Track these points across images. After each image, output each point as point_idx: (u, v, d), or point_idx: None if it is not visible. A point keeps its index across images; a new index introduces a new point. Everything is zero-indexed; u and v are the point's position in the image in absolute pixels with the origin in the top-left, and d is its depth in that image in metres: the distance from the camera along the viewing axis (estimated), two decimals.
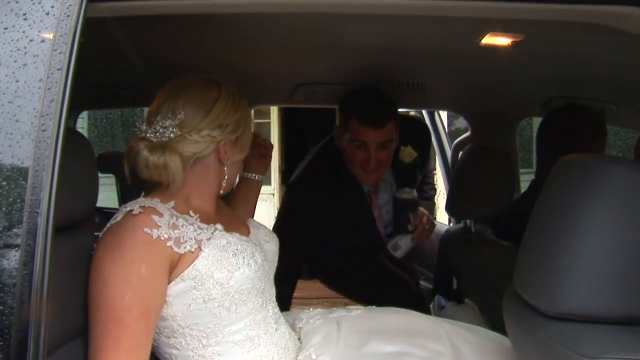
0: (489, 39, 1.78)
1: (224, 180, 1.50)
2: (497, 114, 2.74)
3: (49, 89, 0.87)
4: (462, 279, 2.41)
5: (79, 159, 1.33)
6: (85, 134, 7.85)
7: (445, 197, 2.55)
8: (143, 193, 1.43)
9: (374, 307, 1.89)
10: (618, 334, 0.97)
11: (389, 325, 1.67)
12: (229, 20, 1.75)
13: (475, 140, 2.80)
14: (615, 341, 0.95)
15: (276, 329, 1.50)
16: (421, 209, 2.49)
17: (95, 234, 1.35)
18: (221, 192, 1.52)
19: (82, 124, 7.97)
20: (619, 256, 0.97)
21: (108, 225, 1.34)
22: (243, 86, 2.59)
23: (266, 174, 2.23)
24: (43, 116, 0.86)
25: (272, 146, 1.90)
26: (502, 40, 1.79)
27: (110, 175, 2.65)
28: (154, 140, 1.38)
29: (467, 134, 2.89)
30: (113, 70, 2.48)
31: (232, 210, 1.71)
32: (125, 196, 2.13)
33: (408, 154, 2.53)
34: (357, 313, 1.74)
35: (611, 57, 1.79)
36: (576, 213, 1.02)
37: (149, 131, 1.39)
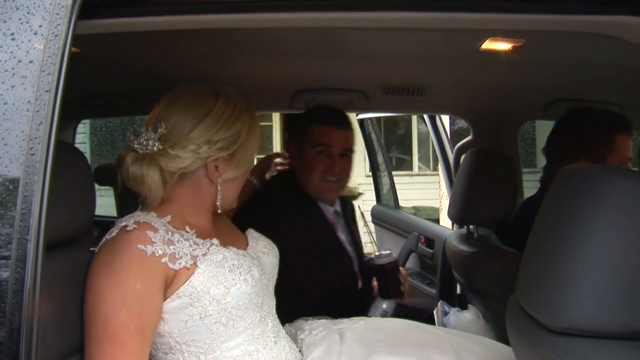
0: (489, 44, 1.76)
1: (217, 199, 1.44)
2: (499, 117, 2.71)
3: (37, 111, 0.85)
4: (465, 286, 2.39)
5: (74, 174, 1.32)
6: (87, 142, 7.89)
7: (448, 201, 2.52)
8: (140, 207, 1.41)
9: (378, 318, 1.88)
10: (624, 349, 0.94)
11: (394, 337, 1.66)
12: (226, 31, 1.73)
13: (478, 144, 2.78)
14: (620, 357, 0.93)
15: (275, 343, 1.48)
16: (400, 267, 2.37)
17: (91, 249, 1.33)
18: (218, 210, 1.47)
19: (84, 129, 8.00)
20: (624, 269, 0.95)
21: (103, 240, 1.33)
22: (242, 93, 2.61)
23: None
24: (32, 139, 0.84)
25: None
26: (502, 45, 1.78)
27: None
28: (140, 151, 1.36)
29: (469, 137, 2.87)
30: (112, 79, 2.48)
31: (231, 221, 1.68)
32: (123, 208, 2.12)
33: (349, 188, 2.50)
34: (361, 324, 1.73)
35: (614, 59, 1.77)
36: (579, 224, 0.99)
37: (135, 142, 1.37)
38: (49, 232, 1.21)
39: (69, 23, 0.87)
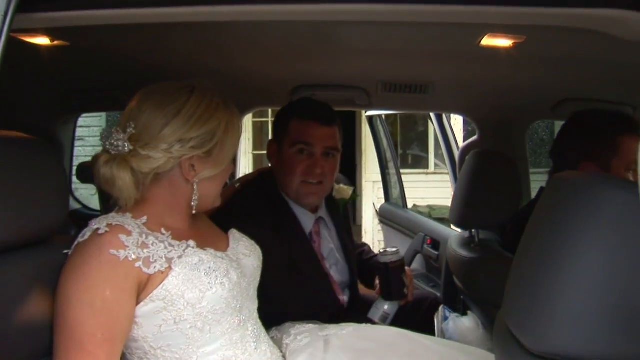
0: (489, 40, 1.69)
1: (193, 199, 1.38)
2: (505, 117, 2.63)
3: None
4: (464, 292, 2.31)
5: (45, 171, 1.28)
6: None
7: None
8: (117, 208, 1.36)
9: (367, 325, 1.81)
10: None
11: (381, 345, 1.60)
12: (225, 24, 1.68)
13: (483, 144, 2.70)
14: None
15: (256, 348, 1.43)
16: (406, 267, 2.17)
17: (65, 251, 1.29)
18: (193, 211, 1.40)
19: (101, 122, 8.03)
20: (610, 291, 0.87)
21: (75, 243, 1.28)
22: (241, 89, 2.57)
23: None
24: None
25: None
26: (502, 42, 1.70)
27: None
28: (112, 152, 1.31)
29: (475, 137, 2.78)
30: (111, 74, 2.45)
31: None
32: (106, 206, 2.09)
33: (344, 190, 2.34)
34: (348, 331, 1.68)
35: (623, 57, 1.68)
36: (565, 240, 0.91)
37: (107, 143, 1.31)
38: (16, 231, 1.19)
39: (4, 16, 0.80)
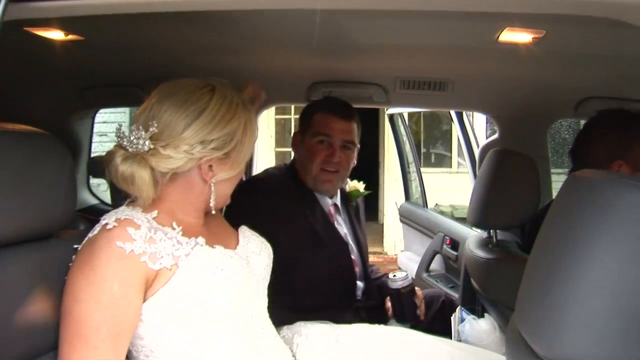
0: (508, 35, 1.65)
1: (212, 200, 1.37)
2: (526, 115, 2.57)
3: None
4: (481, 293, 2.26)
5: (52, 166, 1.28)
6: (127, 129, 7.98)
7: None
8: (127, 201, 1.35)
9: (379, 325, 1.80)
10: None
11: (393, 346, 1.58)
12: (242, 18, 1.69)
13: (503, 143, 2.64)
14: None
15: (266, 346, 1.41)
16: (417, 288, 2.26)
17: (75, 246, 1.28)
18: (212, 211, 1.39)
19: (124, 118, 8.09)
20: (626, 296, 0.82)
21: (86, 238, 1.27)
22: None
23: None
24: None
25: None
26: (522, 37, 1.66)
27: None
28: (129, 149, 1.28)
29: (495, 136, 2.73)
30: (127, 69, 2.46)
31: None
32: (117, 200, 2.09)
33: (357, 185, 2.47)
34: (360, 332, 1.68)
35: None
36: (580, 241, 0.87)
37: (124, 140, 1.29)
38: (22, 225, 1.18)
39: None
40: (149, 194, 1.29)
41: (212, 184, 1.35)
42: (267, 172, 2.32)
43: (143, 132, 1.26)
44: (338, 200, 2.34)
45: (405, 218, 4.12)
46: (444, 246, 3.31)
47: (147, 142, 1.26)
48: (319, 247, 2.14)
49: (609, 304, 0.83)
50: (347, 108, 2.25)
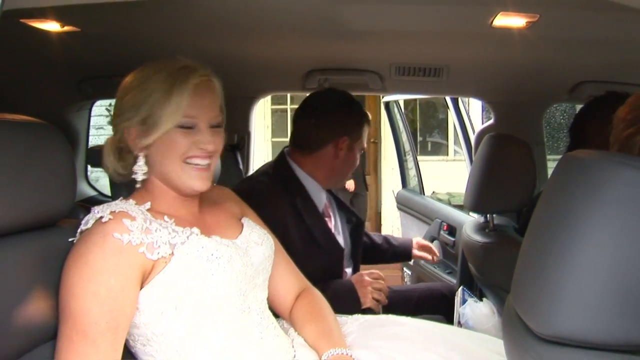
0: (502, 20, 1.65)
1: (139, 170, 1.36)
2: (521, 100, 2.59)
3: None
4: (478, 278, 2.28)
5: (51, 155, 1.28)
6: None
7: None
8: (121, 198, 1.36)
9: (375, 316, 1.79)
10: None
11: (389, 335, 1.57)
12: (238, 6, 1.70)
13: (499, 128, 2.65)
14: None
15: (261, 338, 1.41)
16: None
17: (70, 239, 1.29)
18: (191, 193, 1.39)
19: None
20: (620, 273, 0.83)
21: (79, 230, 1.28)
22: (255, 74, 2.57)
23: None
24: None
25: None
26: (516, 21, 1.66)
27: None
28: None
29: (490, 121, 2.74)
30: (122, 60, 2.43)
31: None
32: (116, 189, 2.10)
33: None
34: (356, 323, 1.65)
35: (636, 37, 1.63)
36: (573, 220, 0.88)
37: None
38: (23, 214, 1.19)
39: None
40: (116, 174, 1.41)
41: (139, 155, 1.36)
42: (260, 183, 2.18)
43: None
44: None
45: (403, 205, 4.14)
46: (442, 232, 3.33)
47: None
48: (316, 252, 2.13)
49: (602, 280, 0.84)
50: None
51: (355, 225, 2.40)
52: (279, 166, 2.23)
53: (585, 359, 0.86)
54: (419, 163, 4.28)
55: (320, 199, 2.22)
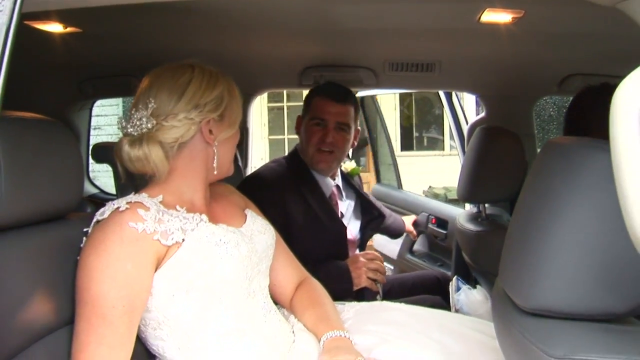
0: (489, 16, 1.71)
1: (214, 162, 1.47)
2: (511, 93, 2.64)
3: None
4: (471, 265, 2.35)
5: (61, 151, 1.33)
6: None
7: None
8: (133, 193, 1.42)
9: (373, 302, 1.85)
10: (591, 332, 0.90)
11: (387, 322, 1.64)
12: (233, 6, 1.74)
13: (491, 121, 2.71)
14: (586, 340, 0.89)
15: (265, 322, 1.47)
16: None
17: (85, 229, 1.35)
18: (215, 175, 1.49)
19: (117, 111, 8.11)
20: (595, 249, 0.90)
21: (95, 220, 1.34)
22: (251, 71, 2.62)
23: None
24: None
25: None
26: (502, 17, 1.73)
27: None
28: (135, 134, 1.38)
29: (482, 115, 2.80)
30: (123, 60, 2.50)
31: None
32: (121, 185, 2.15)
33: (350, 165, 2.72)
34: (353, 310, 1.72)
35: (620, 30, 1.69)
36: (554, 201, 0.95)
37: (128, 126, 1.39)
38: (35, 207, 1.25)
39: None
40: (165, 167, 1.39)
41: (214, 147, 1.46)
42: (267, 167, 2.40)
43: (144, 112, 1.38)
44: (340, 181, 2.47)
45: (379, 200, 4.13)
46: (430, 225, 3.34)
47: (151, 119, 1.37)
48: (319, 229, 2.26)
49: (579, 255, 0.91)
50: (342, 92, 2.35)
51: (374, 218, 2.57)
52: (292, 156, 2.41)
53: (566, 328, 0.93)
54: (416, 158, 4.31)
55: (328, 186, 2.37)
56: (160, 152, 1.37)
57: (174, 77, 1.41)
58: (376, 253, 2.32)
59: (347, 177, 2.59)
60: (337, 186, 2.45)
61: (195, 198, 1.47)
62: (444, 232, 3.19)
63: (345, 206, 2.49)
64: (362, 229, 2.54)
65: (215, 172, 1.48)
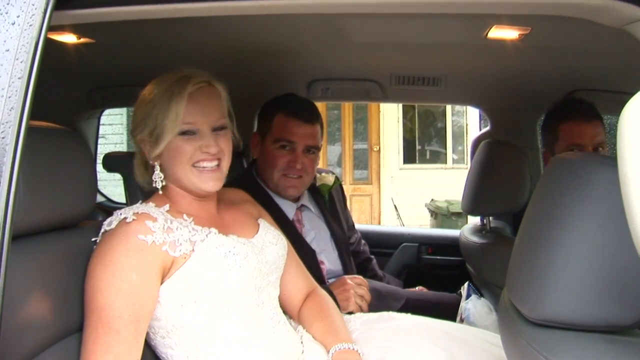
0: (496, 32, 1.74)
1: (157, 178, 1.46)
2: (516, 108, 2.67)
3: (9, 97, 0.87)
4: (476, 277, 2.36)
5: (75, 160, 1.36)
6: (124, 130, 8.05)
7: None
8: (140, 201, 1.45)
9: (379, 313, 1.83)
10: (598, 343, 0.92)
11: (391, 332, 1.65)
12: (242, 20, 1.76)
13: (496, 135, 2.73)
14: (592, 351, 0.91)
15: (274, 332, 1.48)
16: None
17: (93, 239, 1.37)
18: (194, 191, 1.47)
19: (121, 120, 8.14)
20: (602, 261, 0.92)
21: (102, 230, 1.36)
22: (258, 84, 2.65)
23: None
24: (2, 124, 0.86)
25: None
26: (509, 34, 1.76)
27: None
28: None
29: (487, 128, 2.82)
30: (133, 70, 2.52)
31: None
32: (132, 194, 2.17)
33: (325, 177, 2.36)
34: (360, 322, 1.73)
35: (626, 48, 1.72)
36: (561, 214, 0.97)
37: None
38: (50, 215, 1.27)
39: (44, 13, 0.89)
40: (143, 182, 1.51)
41: (155, 164, 1.46)
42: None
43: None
44: (306, 199, 2.22)
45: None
46: (423, 256, 2.93)
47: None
48: None
49: (585, 267, 0.93)
50: (309, 109, 2.12)
51: (338, 237, 2.26)
52: (247, 182, 2.08)
53: (573, 339, 0.94)
54: (418, 171, 4.26)
55: (288, 209, 2.14)
56: (140, 166, 1.51)
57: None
58: (362, 278, 2.10)
59: (317, 193, 2.30)
60: (302, 206, 2.20)
61: (199, 212, 1.48)
62: (448, 258, 2.87)
63: (310, 238, 2.18)
64: (342, 258, 2.23)
65: (158, 188, 1.46)
